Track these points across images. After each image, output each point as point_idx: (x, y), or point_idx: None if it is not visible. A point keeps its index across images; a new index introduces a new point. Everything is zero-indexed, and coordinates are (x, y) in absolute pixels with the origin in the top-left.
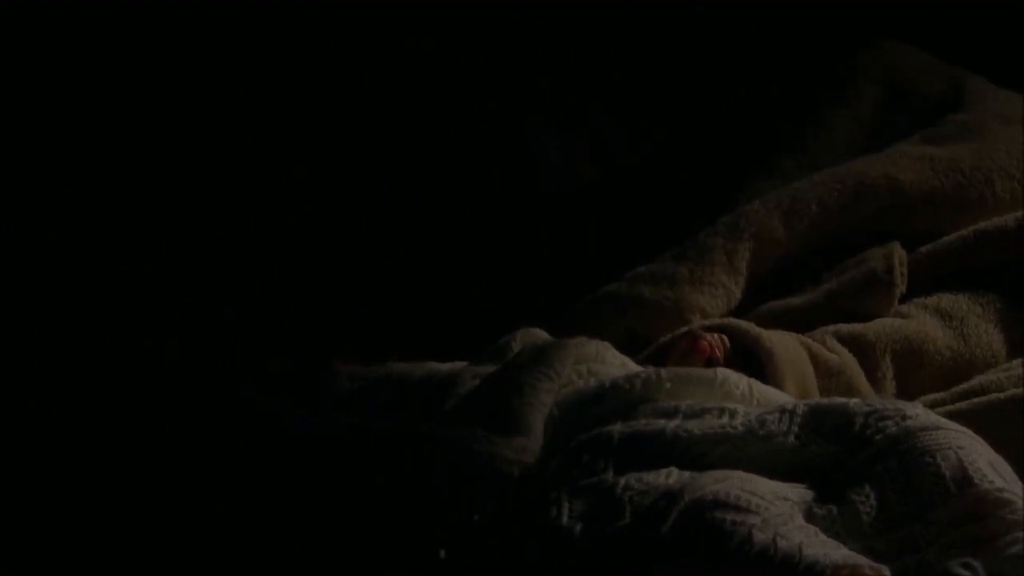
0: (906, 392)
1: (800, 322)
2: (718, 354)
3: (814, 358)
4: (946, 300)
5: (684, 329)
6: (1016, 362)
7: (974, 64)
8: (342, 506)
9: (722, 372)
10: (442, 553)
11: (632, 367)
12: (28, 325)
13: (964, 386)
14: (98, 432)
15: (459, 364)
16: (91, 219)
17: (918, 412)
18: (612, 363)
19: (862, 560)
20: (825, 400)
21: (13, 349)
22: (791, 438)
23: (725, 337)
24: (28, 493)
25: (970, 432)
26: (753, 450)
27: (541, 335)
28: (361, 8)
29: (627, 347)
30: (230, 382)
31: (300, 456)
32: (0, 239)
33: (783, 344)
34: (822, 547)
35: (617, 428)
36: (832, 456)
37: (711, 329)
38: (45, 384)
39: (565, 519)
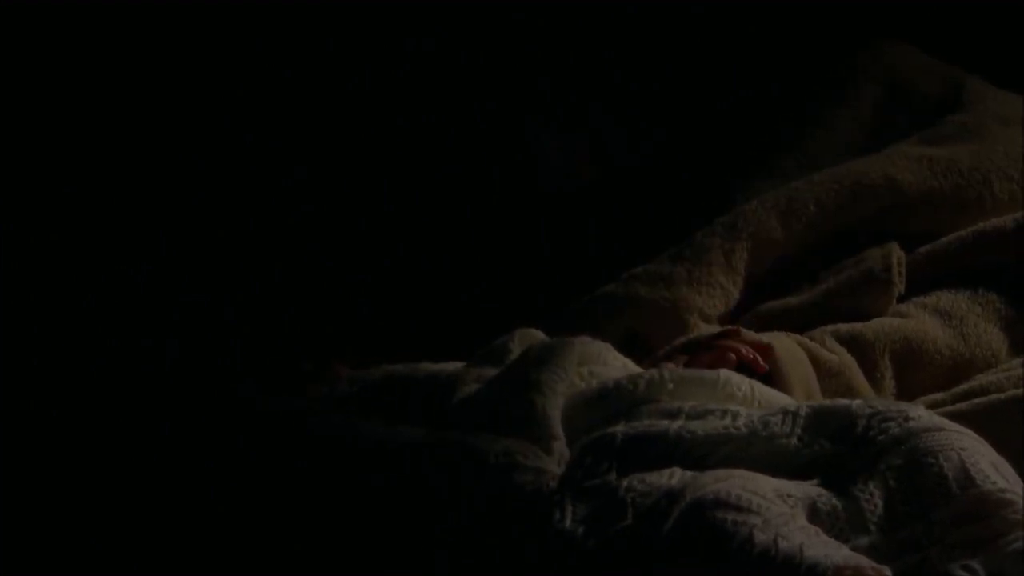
0: (905, 392)
1: (798, 322)
2: (762, 366)
3: (813, 358)
4: (945, 299)
5: (715, 331)
6: (1016, 362)
7: (974, 64)
8: (342, 506)
9: (724, 373)
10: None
11: (633, 368)
12: (28, 325)
13: (964, 386)
14: (98, 432)
15: (457, 365)
16: (91, 219)
17: (920, 414)
18: (613, 364)
19: (864, 561)
20: (828, 402)
21: (13, 349)
22: (794, 440)
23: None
24: (28, 493)
25: (972, 433)
26: (756, 451)
27: (538, 335)
28: (361, 8)
29: (627, 347)
30: (230, 382)
31: (300, 456)
32: (0, 239)
33: (784, 347)
34: (824, 547)
35: (620, 429)
36: (835, 457)
37: (716, 337)
38: (45, 384)
39: (568, 523)
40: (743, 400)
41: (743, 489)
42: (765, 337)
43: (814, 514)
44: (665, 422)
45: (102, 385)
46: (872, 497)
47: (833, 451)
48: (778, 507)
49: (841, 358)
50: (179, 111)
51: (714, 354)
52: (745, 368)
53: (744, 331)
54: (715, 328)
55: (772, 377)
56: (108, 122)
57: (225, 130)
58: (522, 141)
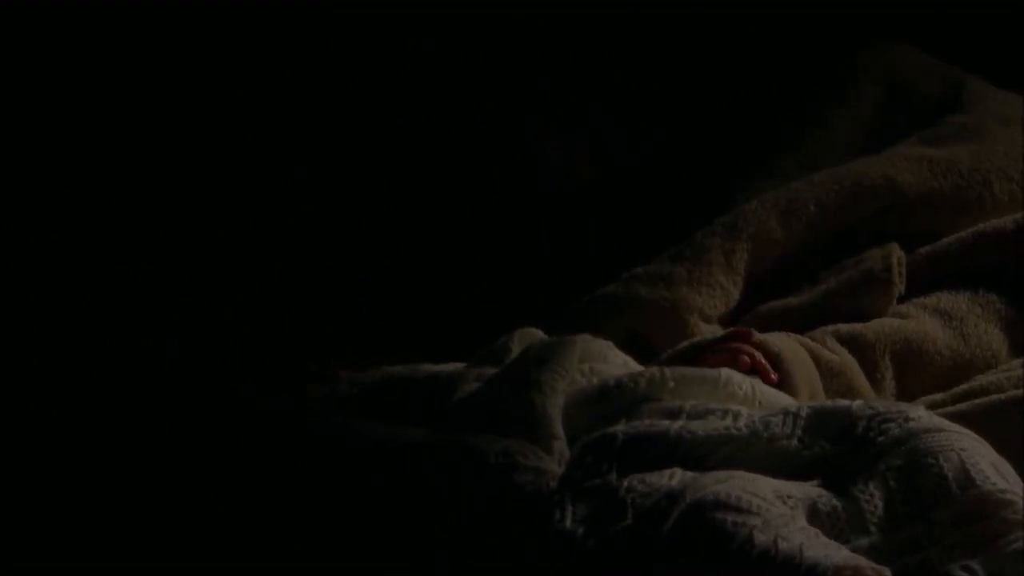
0: (906, 392)
1: (798, 322)
2: (772, 377)
3: (814, 359)
4: (946, 300)
5: (720, 333)
6: (1016, 363)
7: (974, 64)
8: (341, 506)
9: (726, 372)
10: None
11: (634, 366)
12: (28, 325)
13: (964, 387)
14: (98, 432)
15: (458, 366)
16: (91, 219)
17: (920, 414)
18: (614, 362)
19: (864, 562)
20: (829, 403)
21: (13, 349)
22: (795, 441)
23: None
24: (28, 493)
25: (972, 434)
26: (757, 452)
27: (538, 335)
28: (361, 8)
29: (627, 348)
30: (230, 382)
31: (300, 456)
32: (0, 239)
33: (788, 347)
34: (823, 548)
35: (621, 428)
36: (835, 457)
37: (722, 340)
38: (45, 384)
39: (568, 523)
40: (744, 400)
41: (743, 490)
42: (770, 339)
43: (814, 515)
44: (666, 422)
45: (102, 385)
46: (872, 498)
47: (833, 452)
48: (778, 508)
49: (842, 358)
50: (179, 111)
51: (725, 357)
52: (753, 373)
53: (755, 333)
54: (718, 330)
55: (779, 379)
56: (108, 122)
57: (225, 130)
58: (522, 141)
